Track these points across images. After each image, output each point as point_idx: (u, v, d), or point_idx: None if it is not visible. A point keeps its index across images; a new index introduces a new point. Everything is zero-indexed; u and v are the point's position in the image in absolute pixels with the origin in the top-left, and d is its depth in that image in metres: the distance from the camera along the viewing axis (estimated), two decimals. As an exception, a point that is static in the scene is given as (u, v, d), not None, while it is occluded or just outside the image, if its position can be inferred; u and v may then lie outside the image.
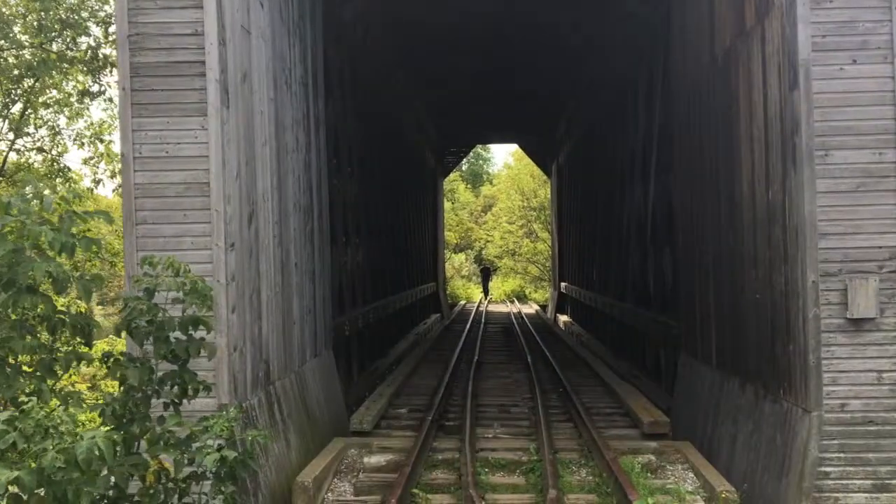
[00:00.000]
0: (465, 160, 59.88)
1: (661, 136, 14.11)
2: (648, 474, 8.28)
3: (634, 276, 16.84)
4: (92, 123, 20.51)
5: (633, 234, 16.89)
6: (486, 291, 47.05)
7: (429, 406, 10.44)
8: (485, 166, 77.19)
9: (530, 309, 38.36)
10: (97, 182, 19.65)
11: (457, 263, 55.75)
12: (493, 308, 38.56)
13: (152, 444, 5.71)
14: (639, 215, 16.40)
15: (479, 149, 71.72)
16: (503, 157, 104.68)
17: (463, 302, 43.96)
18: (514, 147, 60.19)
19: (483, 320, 28.47)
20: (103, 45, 17.98)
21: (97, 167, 19.89)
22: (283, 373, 9.14)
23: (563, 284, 34.27)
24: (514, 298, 46.56)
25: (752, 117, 8.35)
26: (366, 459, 8.64)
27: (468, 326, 24.86)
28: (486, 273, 48.44)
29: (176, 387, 6.03)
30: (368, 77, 18.54)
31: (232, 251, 7.53)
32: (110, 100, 19.35)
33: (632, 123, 17.11)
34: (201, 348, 6.04)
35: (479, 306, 38.34)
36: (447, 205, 52.55)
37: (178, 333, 5.99)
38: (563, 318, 32.50)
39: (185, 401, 6.14)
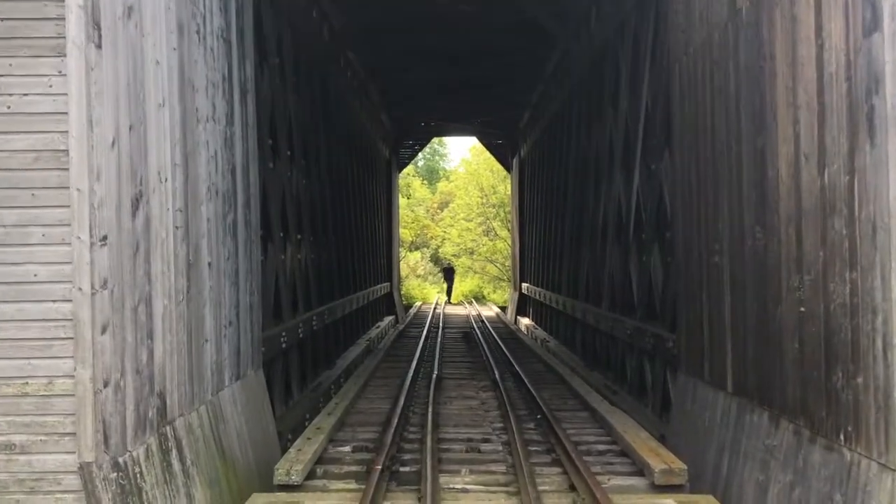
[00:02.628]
0: (420, 154, 57.92)
1: (650, 116, 12.27)
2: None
3: (613, 279, 15.01)
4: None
5: (612, 231, 15.05)
6: (449, 293, 44.37)
7: (379, 443, 8.38)
8: (441, 162, 75.36)
9: (490, 311, 36.46)
10: None
11: (412, 262, 53.64)
12: (451, 310, 36.56)
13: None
14: (619, 210, 14.56)
15: (435, 144, 69.85)
16: (460, 152, 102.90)
17: (419, 303, 41.86)
18: (471, 142, 58.42)
19: (441, 324, 26.44)
20: None
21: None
22: (188, 406, 7.02)
23: (524, 285, 32.47)
24: (472, 299, 44.55)
25: (795, 78, 6.48)
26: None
27: (425, 331, 22.83)
28: (449, 273, 45.44)
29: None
30: (314, 52, 16.40)
31: (103, 247, 5.41)
32: None
33: (609, 106, 15.27)
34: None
35: (435, 308, 36.33)
36: (402, 200, 50.43)
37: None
38: (524, 320, 30.68)
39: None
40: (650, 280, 12.25)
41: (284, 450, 9.87)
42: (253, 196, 9.72)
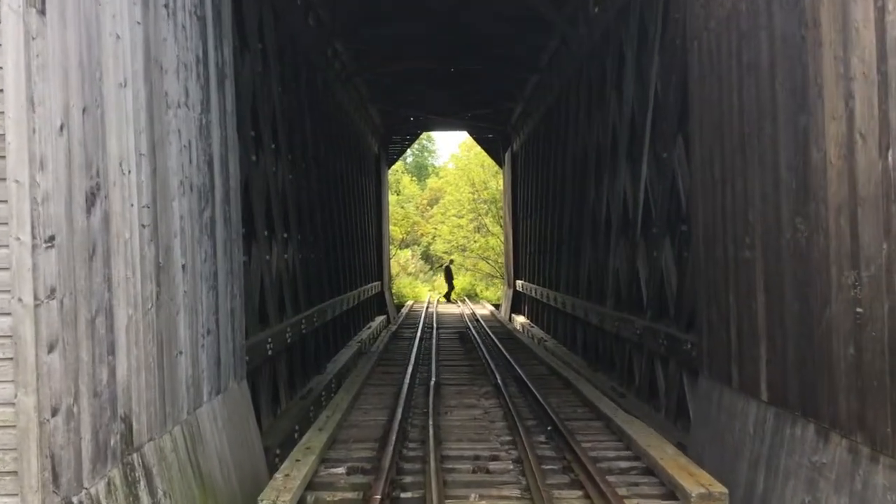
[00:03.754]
0: (409, 151, 57.06)
1: (660, 102, 11.47)
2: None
3: (618, 276, 14.22)
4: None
5: (616, 225, 14.25)
6: (449, 292, 43.04)
7: (377, 462, 7.53)
8: (430, 158, 74.47)
9: (484, 309, 35.60)
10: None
11: (403, 260, 52.73)
12: (444, 309, 35.68)
13: None
14: (624, 203, 13.76)
15: (423, 140, 68.99)
16: (449, 148, 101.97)
17: (410, 302, 40.96)
18: (461, 137, 57.57)
19: (435, 324, 25.57)
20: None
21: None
22: (160, 428, 6.17)
23: (518, 282, 31.67)
24: (465, 297, 43.66)
25: (847, 46, 5.68)
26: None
27: (419, 332, 21.94)
28: (449, 272, 44.11)
29: None
30: (299, 39, 15.53)
31: (49, 249, 4.56)
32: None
33: (613, 93, 14.46)
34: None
35: (428, 307, 35.47)
36: (392, 197, 49.51)
37: None
38: (519, 318, 29.88)
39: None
40: (662, 277, 11.45)
41: (272, 467, 9.05)
42: (233, 191, 8.86)
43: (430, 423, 9.04)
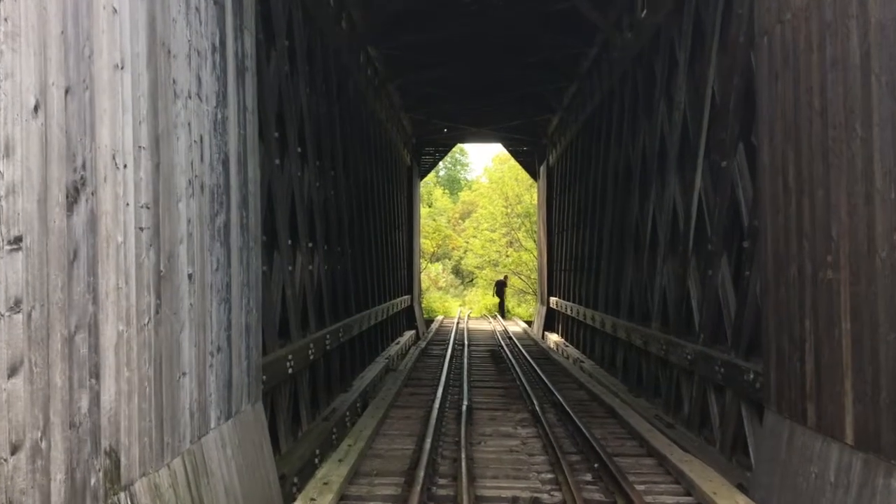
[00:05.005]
0: (441, 164, 56.43)
1: (717, 106, 10.54)
2: None
3: (665, 296, 13.25)
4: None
5: (665, 240, 13.30)
6: (501, 307, 41.79)
7: (402, 503, 6.68)
8: (462, 172, 73.80)
9: (516, 326, 34.58)
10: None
11: (433, 274, 51.89)
12: (475, 325, 34.75)
13: None
14: (673, 217, 12.82)
15: (456, 154, 68.43)
16: (482, 162, 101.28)
17: (440, 317, 40.07)
18: (494, 151, 56.81)
19: (466, 341, 24.66)
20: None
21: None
22: (155, 461, 5.38)
23: (552, 299, 30.68)
24: (497, 314, 42.63)
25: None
26: None
27: (450, 349, 21.06)
28: (500, 286, 42.76)
29: None
30: (330, 40, 14.83)
31: (14, 252, 3.80)
32: None
33: (662, 99, 13.55)
34: None
35: (458, 323, 34.58)
36: (423, 209, 48.77)
37: None
38: (553, 336, 28.89)
39: None
40: (717, 298, 10.49)
41: (288, 497, 8.23)
42: (252, 195, 8.10)
43: (463, 455, 8.17)
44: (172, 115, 5.88)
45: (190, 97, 6.27)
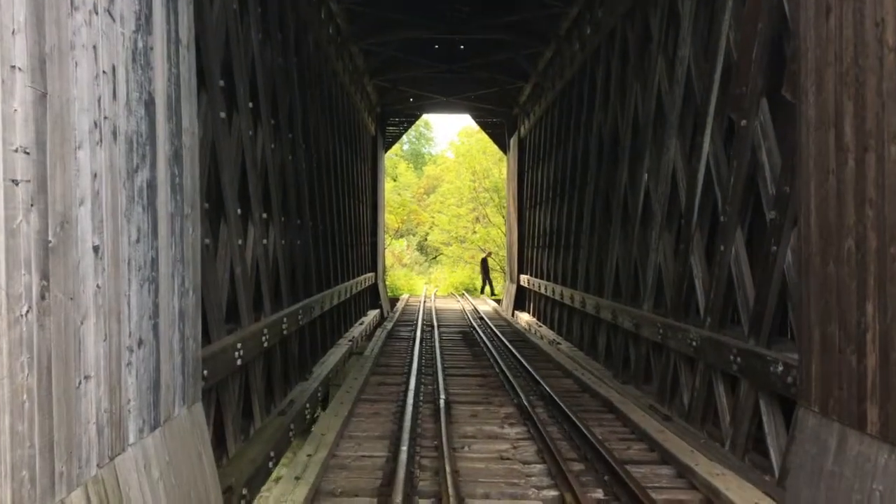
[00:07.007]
0: (405, 138, 54.82)
1: (734, 58, 9.20)
2: None
3: (660, 274, 12.00)
4: None
5: (661, 213, 12.01)
6: (487, 286, 40.04)
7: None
8: (427, 146, 72.19)
9: (486, 305, 33.27)
10: None
11: (398, 250, 50.37)
12: (442, 304, 33.37)
13: None
14: (673, 186, 11.52)
15: (421, 128, 66.84)
16: (447, 136, 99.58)
17: (406, 295, 38.65)
18: (460, 126, 55.17)
19: (435, 321, 23.27)
20: None
21: None
22: (42, 500, 3.91)
23: (523, 277, 29.44)
24: (464, 291, 41.24)
25: None
26: None
27: (418, 331, 19.66)
28: (486, 265, 40.94)
29: None
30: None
31: None
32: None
33: (659, 55, 12.18)
34: None
35: (425, 301, 33.19)
36: (388, 183, 47.11)
37: None
38: (523, 316, 27.67)
39: None
40: (729, 277, 9.23)
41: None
42: (188, 149, 6.57)
43: (447, 466, 6.78)
44: (68, 32, 4.34)
45: (96, 12, 4.73)
